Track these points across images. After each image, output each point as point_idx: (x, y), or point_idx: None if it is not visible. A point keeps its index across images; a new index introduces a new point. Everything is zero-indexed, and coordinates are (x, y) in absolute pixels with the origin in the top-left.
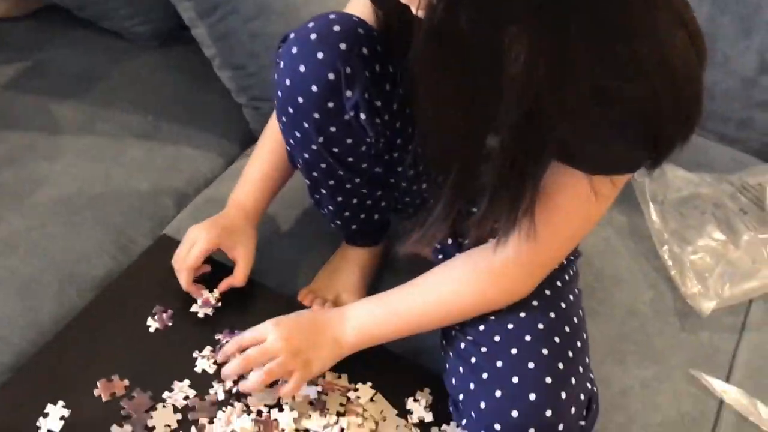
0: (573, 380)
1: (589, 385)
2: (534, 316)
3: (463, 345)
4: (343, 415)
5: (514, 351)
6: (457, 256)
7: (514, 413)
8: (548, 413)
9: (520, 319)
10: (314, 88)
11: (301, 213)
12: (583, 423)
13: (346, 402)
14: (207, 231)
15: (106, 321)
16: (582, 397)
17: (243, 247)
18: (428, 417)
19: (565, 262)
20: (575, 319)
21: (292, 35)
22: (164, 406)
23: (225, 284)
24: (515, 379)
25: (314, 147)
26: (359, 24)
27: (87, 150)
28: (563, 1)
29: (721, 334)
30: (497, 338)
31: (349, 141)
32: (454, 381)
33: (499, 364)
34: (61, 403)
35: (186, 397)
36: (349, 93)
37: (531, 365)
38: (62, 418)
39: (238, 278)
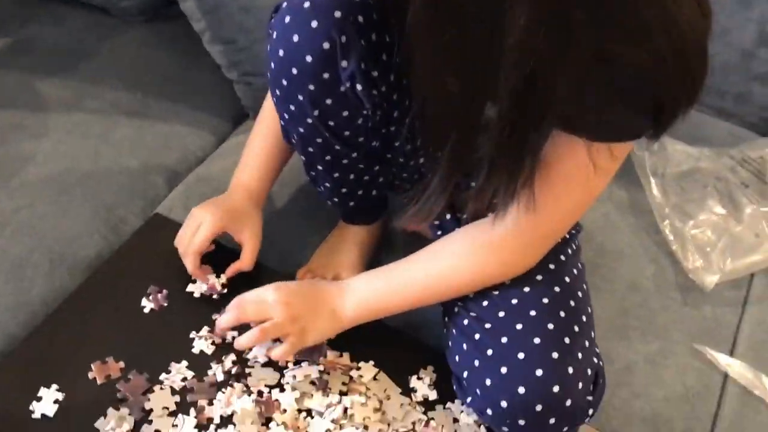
0: (580, 355)
1: (595, 360)
2: (538, 290)
3: (466, 321)
4: (345, 394)
5: (519, 326)
6: (456, 231)
7: (521, 389)
8: (556, 389)
9: (525, 294)
10: (309, 59)
11: (296, 191)
12: (590, 398)
13: (348, 381)
14: (212, 214)
15: (98, 302)
16: (589, 371)
17: (249, 231)
18: (432, 395)
19: (568, 236)
20: (579, 293)
21: (284, 4)
22: (162, 388)
23: (232, 270)
24: (521, 355)
25: (309, 121)
26: None
27: (75, 128)
28: None
29: (724, 308)
30: (501, 314)
31: (345, 114)
32: (457, 358)
33: (504, 340)
34: (54, 386)
35: (184, 379)
36: (344, 63)
37: (537, 340)
38: (56, 401)
39: (245, 263)
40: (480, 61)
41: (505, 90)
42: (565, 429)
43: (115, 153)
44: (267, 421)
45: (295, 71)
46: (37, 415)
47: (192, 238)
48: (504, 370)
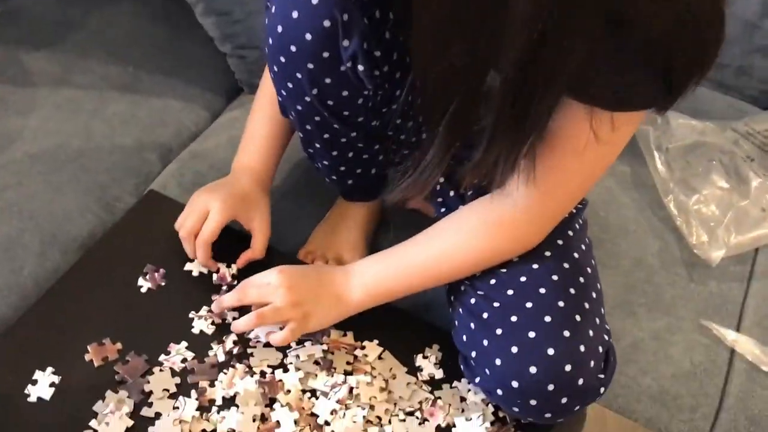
0: (591, 332)
1: (606, 337)
2: (547, 266)
3: (473, 300)
4: (350, 373)
5: (529, 305)
6: (461, 209)
7: (533, 369)
8: (568, 368)
9: (534, 271)
10: (308, 37)
11: (292, 167)
12: (602, 376)
13: (353, 360)
14: (222, 201)
15: (94, 282)
16: (600, 349)
17: (260, 219)
18: (439, 374)
19: (574, 211)
20: (588, 269)
21: None
22: (161, 370)
23: (243, 259)
24: (532, 334)
25: (307, 99)
26: None
27: (64, 103)
28: None
29: (730, 283)
30: (510, 292)
31: (345, 93)
32: (464, 338)
33: (513, 318)
34: (50, 369)
35: (184, 360)
36: (346, 42)
37: (548, 318)
38: (52, 384)
39: (257, 251)
40: (485, 23)
41: (512, 55)
42: (577, 408)
43: (107, 129)
44: (271, 402)
45: (293, 49)
46: (33, 398)
47: (201, 227)
48: (515, 349)
